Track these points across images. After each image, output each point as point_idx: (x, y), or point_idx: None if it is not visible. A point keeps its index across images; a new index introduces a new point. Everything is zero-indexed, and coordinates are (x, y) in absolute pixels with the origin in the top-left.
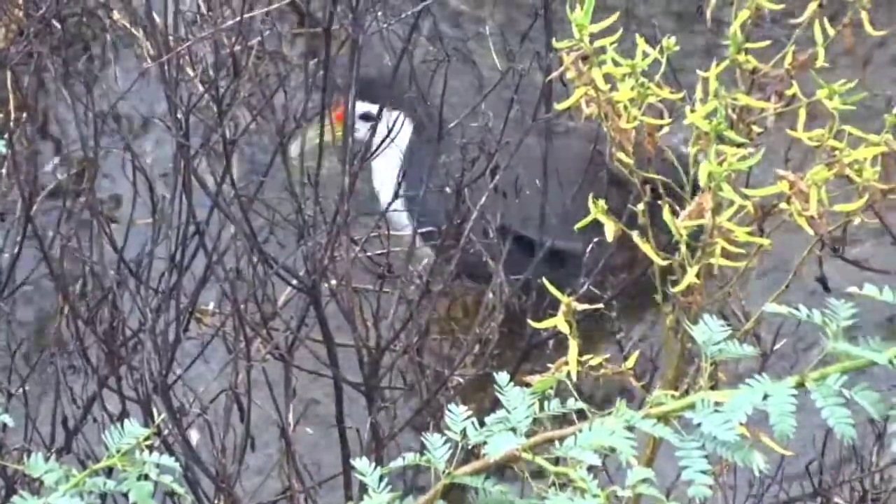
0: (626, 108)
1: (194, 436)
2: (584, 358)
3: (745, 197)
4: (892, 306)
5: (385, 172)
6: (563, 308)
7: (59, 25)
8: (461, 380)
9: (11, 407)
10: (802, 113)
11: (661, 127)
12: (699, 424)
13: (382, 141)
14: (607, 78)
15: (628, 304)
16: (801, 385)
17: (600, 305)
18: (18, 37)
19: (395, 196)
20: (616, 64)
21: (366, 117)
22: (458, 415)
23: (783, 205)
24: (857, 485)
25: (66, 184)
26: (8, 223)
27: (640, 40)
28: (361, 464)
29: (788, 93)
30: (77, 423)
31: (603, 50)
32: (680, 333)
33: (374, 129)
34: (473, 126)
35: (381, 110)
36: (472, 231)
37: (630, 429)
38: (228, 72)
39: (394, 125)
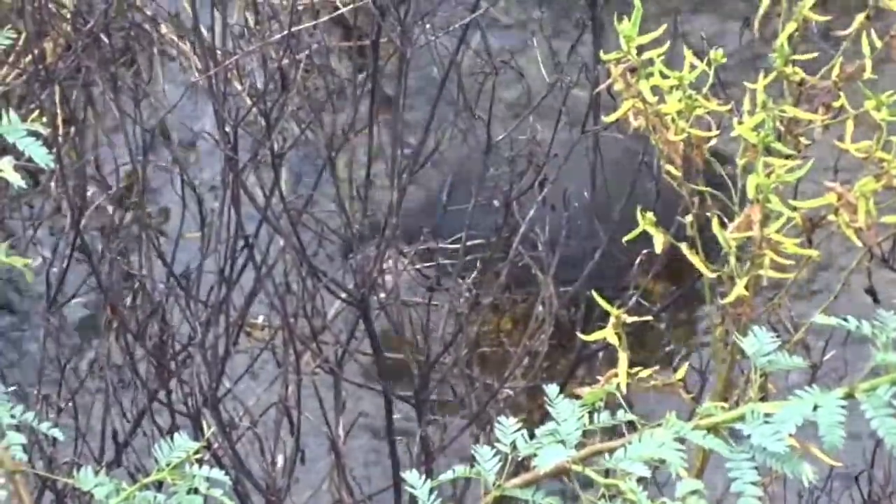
0: (673, 120)
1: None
2: (634, 370)
3: (794, 209)
4: None
5: None
6: (612, 320)
7: (106, 40)
8: (511, 392)
9: (61, 421)
10: (850, 124)
11: (709, 139)
12: (749, 436)
13: (430, 155)
14: (655, 90)
15: (678, 316)
16: (850, 396)
17: (649, 317)
18: (66, 51)
19: (444, 209)
20: (664, 76)
21: None
22: (507, 427)
23: (831, 216)
24: None
25: (115, 197)
26: (57, 236)
27: (687, 52)
28: (411, 476)
29: (836, 104)
30: (127, 437)
31: (650, 62)
32: (729, 345)
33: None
34: (521, 138)
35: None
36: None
37: (680, 440)
38: (276, 85)
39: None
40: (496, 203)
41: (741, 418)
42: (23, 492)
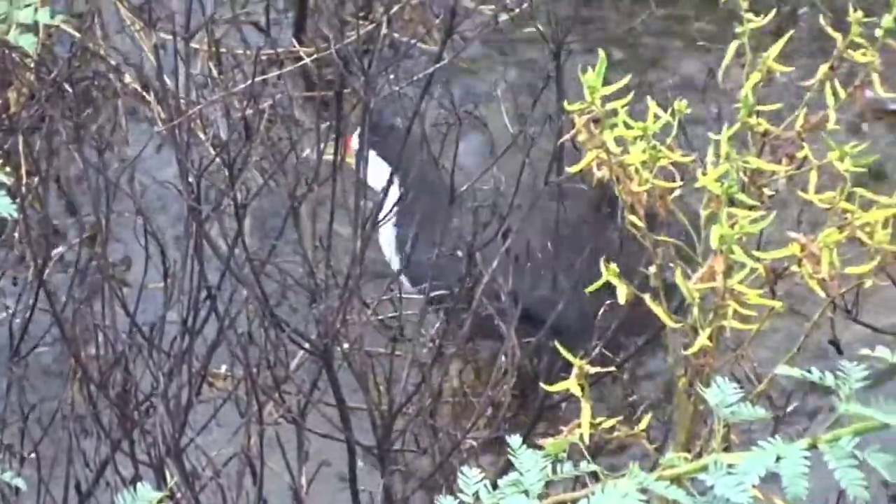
0: (637, 170)
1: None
2: (597, 420)
3: (757, 259)
4: None
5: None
6: (575, 371)
7: (70, 89)
8: (474, 442)
9: (24, 471)
10: (814, 175)
11: (672, 190)
12: (712, 486)
13: (393, 206)
14: (619, 141)
15: (640, 367)
16: (813, 447)
17: (612, 368)
18: (30, 101)
19: (407, 260)
20: (627, 126)
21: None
22: (470, 477)
23: (795, 267)
24: None
25: (79, 248)
26: (20, 286)
27: (651, 103)
28: None
29: (800, 155)
30: (90, 487)
31: (614, 112)
32: (692, 396)
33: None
34: (485, 189)
35: (392, 174)
36: (484, 294)
37: (643, 491)
38: (240, 135)
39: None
40: (460, 253)
41: (704, 469)
42: None
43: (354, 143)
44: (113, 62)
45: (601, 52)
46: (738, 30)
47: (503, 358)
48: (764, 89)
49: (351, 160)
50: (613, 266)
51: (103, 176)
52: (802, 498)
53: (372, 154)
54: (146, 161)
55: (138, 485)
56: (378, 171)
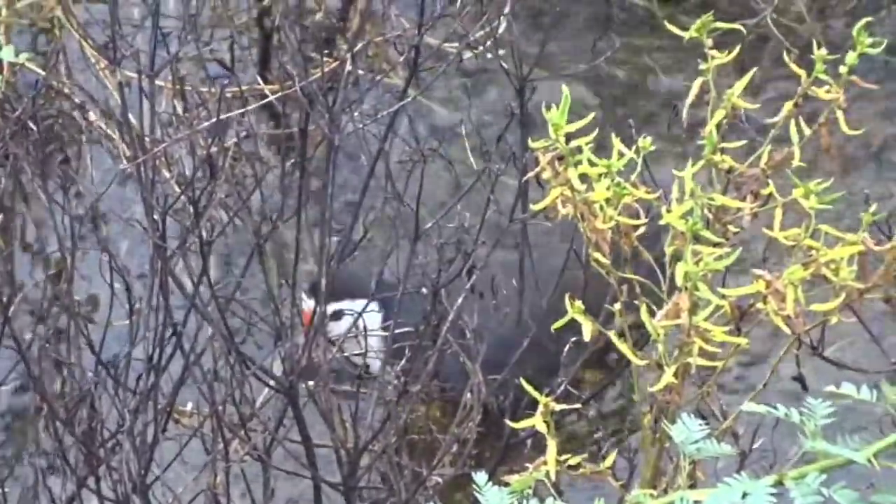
0: (602, 208)
1: None
2: (563, 457)
3: (722, 296)
4: (872, 405)
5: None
6: (541, 408)
7: (35, 127)
8: (439, 479)
9: None
10: (779, 212)
11: (637, 227)
12: None
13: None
14: (583, 178)
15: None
16: (779, 483)
17: (578, 405)
18: None
19: (372, 297)
20: (592, 164)
21: (336, 315)
22: None
23: (760, 304)
24: None
25: (44, 285)
26: None
27: (615, 140)
28: None
29: (765, 192)
30: None
31: (579, 150)
32: (658, 432)
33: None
34: (450, 227)
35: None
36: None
37: None
38: (204, 173)
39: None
40: (424, 290)
41: None
42: None
43: (307, 307)
44: (77, 100)
45: (565, 89)
46: (703, 66)
47: (468, 395)
48: (728, 126)
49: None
50: (578, 303)
51: (68, 213)
52: None
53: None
54: (111, 198)
55: None
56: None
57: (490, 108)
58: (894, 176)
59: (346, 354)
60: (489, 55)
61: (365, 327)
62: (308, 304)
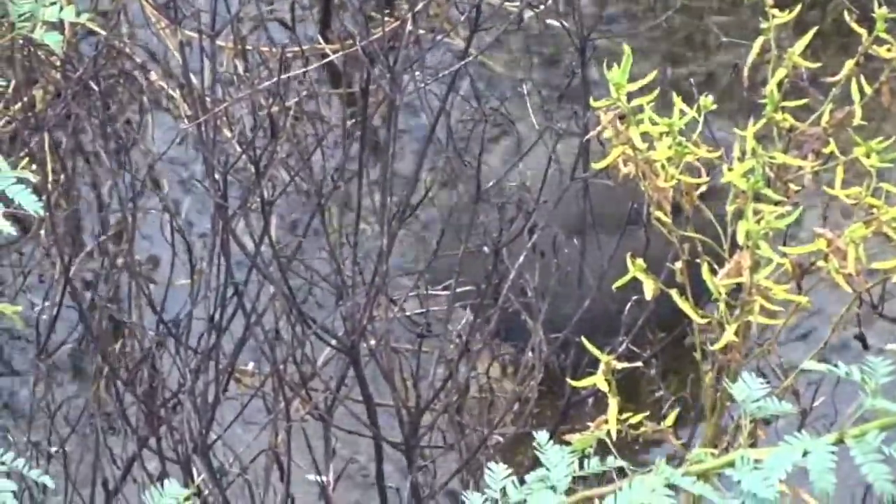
0: (663, 167)
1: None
2: (624, 416)
3: (784, 255)
4: None
5: None
6: (602, 366)
7: (96, 87)
8: (501, 439)
9: (51, 468)
10: (840, 171)
11: (699, 185)
12: (739, 482)
13: (420, 202)
14: (645, 137)
15: (668, 362)
16: (840, 442)
17: (639, 364)
18: (56, 98)
19: (434, 255)
20: (653, 123)
21: None
22: (497, 473)
23: (821, 263)
24: None
25: (105, 245)
26: (48, 283)
27: (676, 99)
28: None
29: (826, 151)
30: (117, 484)
31: (640, 109)
32: (719, 391)
33: None
34: (512, 185)
35: None
36: (511, 290)
37: (670, 486)
38: (265, 133)
39: None
40: (486, 250)
41: (731, 464)
42: None
43: None
44: (138, 60)
45: (626, 48)
46: (764, 25)
47: (530, 354)
48: (790, 84)
49: None
50: (640, 261)
51: (129, 173)
52: (830, 493)
53: None
54: (172, 159)
55: (165, 482)
56: None
57: (552, 67)
58: None
59: (407, 314)
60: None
61: (427, 287)
62: None
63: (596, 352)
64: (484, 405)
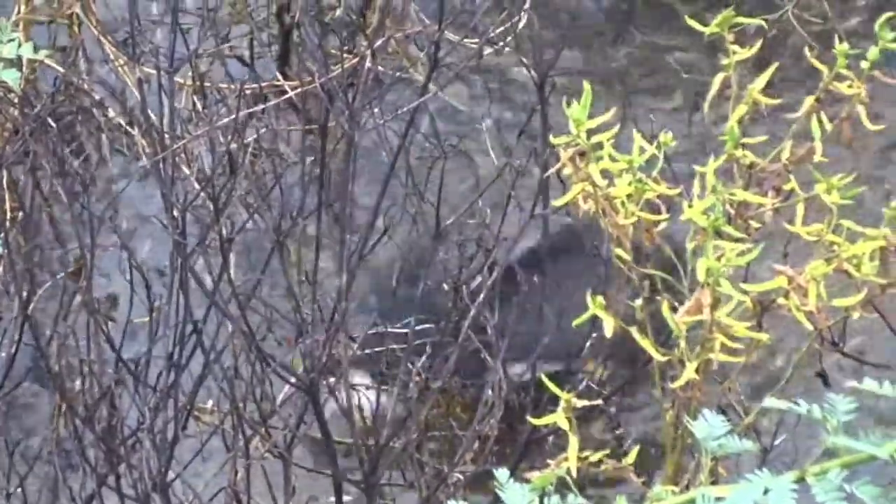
0: (623, 203)
1: None
2: (584, 454)
3: (744, 292)
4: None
5: None
6: (562, 404)
7: (54, 124)
8: (461, 476)
9: None
10: (801, 208)
11: (658, 222)
12: None
13: (379, 239)
14: (604, 173)
15: (628, 400)
16: (801, 480)
17: (599, 402)
18: (14, 135)
19: (393, 293)
20: (613, 159)
21: None
22: None
23: (782, 300)
24: None
25: (64, 282)
26: (5, 322)
27: (636, 136)
28: None
29: (786, 187)
30: None
31: (600, 145)
32: (680, 429)
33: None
34: (471, 223)
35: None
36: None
37: None
38: (224, 169)
39: None
40: (445, 287)
41: (692, 502)
42: None
43: None
44: (97, 96)
45: (586, 85)
46: (724, 61)
47: (490, 391)
48: (750, 121)
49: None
50: (600, 299)
51: (87, 210)
52: None
53: None
54: (131, 196)
55: None
56: None
57: (510, 104)
58: None
59: (367, 351)
60: (509, 51)
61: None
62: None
63: (556, 389)
64: (444, 443)
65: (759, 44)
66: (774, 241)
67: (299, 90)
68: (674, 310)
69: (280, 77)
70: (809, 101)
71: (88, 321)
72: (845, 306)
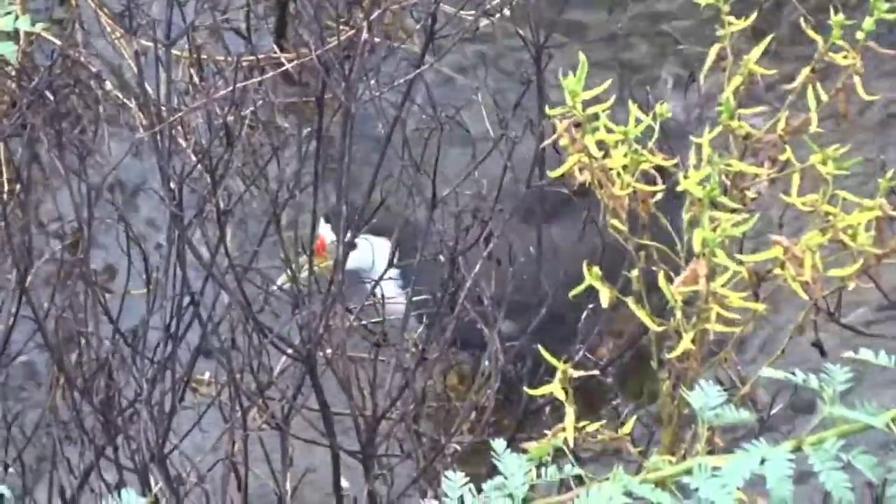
0: (619, 174)
1: None
2: (581, 424)
3: (740, 263)
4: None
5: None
6: (559, 375)
7: (51, 97)
8: (458, 447)
9: (8, 478)
10: (796, 178)
11: (654, 193)
12: (697, 489)
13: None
14: (600, 145)
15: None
16: (798, 449)
17: (596, 372)
18: (11, 108)
19: (390, 264)
20: (609, 131)
21: (352, 245)
22: (455, 482)
23: (778, 270)
24: None
25: (61, 255)
26: (3, 294)
27: (632, 107)
28: None
29: (782, 158)
30: (74, 494)
31: (596, 117)
32: (676, 399)
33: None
34: (467, 194)
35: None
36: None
37: (628, 494)
38: (221, 142)
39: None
40: (442, 258)
41: (689, 472)
42: None
43: (328, 237)
44: (94, 69)
45: (582, 56)
46: (720, 32)
47: (486, 362)
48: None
49: (325, 262)
50: (596, 269)
51: (85, 183)
52: (788, 500)
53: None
54: (128, 168)
55: (123, 491)
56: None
57: (507, 75)
58: None
59: (363, 322)
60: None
61: (383, 296)
62: (325, 230)
63: (553, 360)
64: (441, 414)
65: (754, 14)
66: (770, 212)
67: (296, 62)
68: (670, 280)
69: (277, 49)
70: (805, 72)
71: (86, 293)
72: (841, 277)
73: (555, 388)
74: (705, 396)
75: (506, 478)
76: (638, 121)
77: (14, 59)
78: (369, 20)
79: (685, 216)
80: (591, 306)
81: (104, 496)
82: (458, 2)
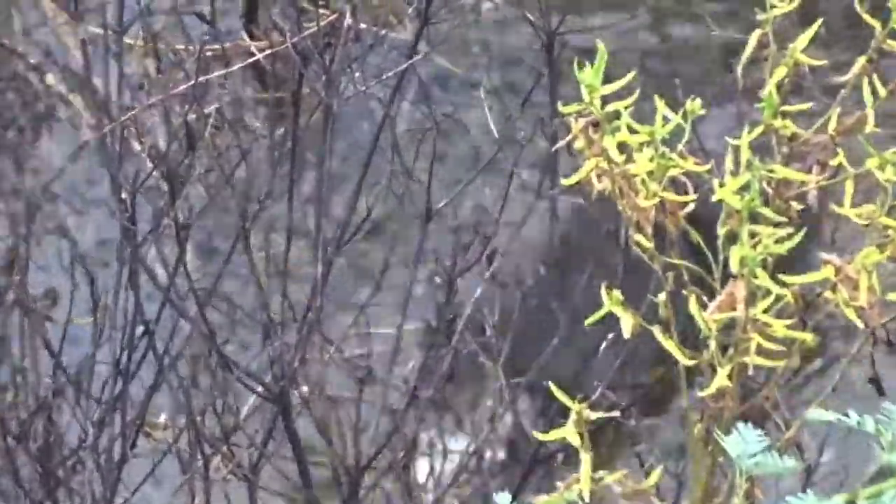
0: (643, 182)
1: None
2: (599, 474)
3: (784, 285)
4: None
5: None
6: (573, 416)
7: None
8: (455, 501)
9: None
10: (850, 186)
11: (685, 204)
12: None
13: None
14: (622, 147)
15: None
16: (852, 503)
17: (617, 413)
18: None
19: (378, 288)
20: (632, 131)
21: None
22: None
23: (828, 293)
24: None
25: None
26: None
27: (659, 103)
28: None
29: (833, 162)
30: None
31: (617, 115)
32: (710, 444)
33: None
34: (467, 205)
35: None
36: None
37: None
38: (181, 144)
39: None
40: (437, 280)
41: None
42: None
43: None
44: (33, 61)
45: (600, 45)
46: (761, 17)
47: (489, 402)
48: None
49: None
50: (617, 293)
51: (21, 192)
52: None
53: None
54: (72, 175)
55: None
56: None
57: (514, 66)
58: None
59: (346, 355)
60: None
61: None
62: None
63: (566, 399)
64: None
65: None
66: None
67: (269, 52)
68: (703, 306)
69: (246, 36)
70: (860, 62)
71: (23, 322)
72: None
73: (568, 432)
74: (743, 441)
75: None
76: (666, 119)
77: None
78: (353, 2)
79: (721, 231)
80: (610, 336)
81: None
82: None
